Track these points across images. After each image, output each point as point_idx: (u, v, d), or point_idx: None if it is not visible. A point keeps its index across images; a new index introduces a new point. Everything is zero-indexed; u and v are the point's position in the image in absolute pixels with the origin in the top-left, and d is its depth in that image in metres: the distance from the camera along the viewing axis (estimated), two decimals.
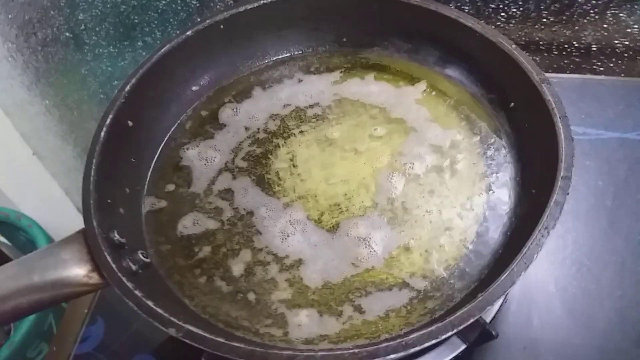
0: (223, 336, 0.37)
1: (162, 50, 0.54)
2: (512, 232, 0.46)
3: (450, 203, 0.49)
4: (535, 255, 0.38)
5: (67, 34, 0.84)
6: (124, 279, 0.40)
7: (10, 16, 0.82)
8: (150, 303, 0.39)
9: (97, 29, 0.83)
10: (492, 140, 0.53)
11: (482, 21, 0.53)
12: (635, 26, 0.66)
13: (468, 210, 0.48)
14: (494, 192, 0.49)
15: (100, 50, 0.86)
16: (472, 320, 0.36)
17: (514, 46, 0.51)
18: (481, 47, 0.53)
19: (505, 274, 0.38)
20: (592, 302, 0.51)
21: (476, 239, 0.47)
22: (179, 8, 0.78)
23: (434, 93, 0.57)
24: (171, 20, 0.80)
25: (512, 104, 0.52)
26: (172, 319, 0.38)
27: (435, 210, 0.49)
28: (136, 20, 0.81)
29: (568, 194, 0.41)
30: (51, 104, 0.96)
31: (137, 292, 0.39)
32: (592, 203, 0.58)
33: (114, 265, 0.41)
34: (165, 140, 0.56)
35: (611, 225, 0.56)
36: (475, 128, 0.54)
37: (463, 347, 0.47)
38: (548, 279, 0.53)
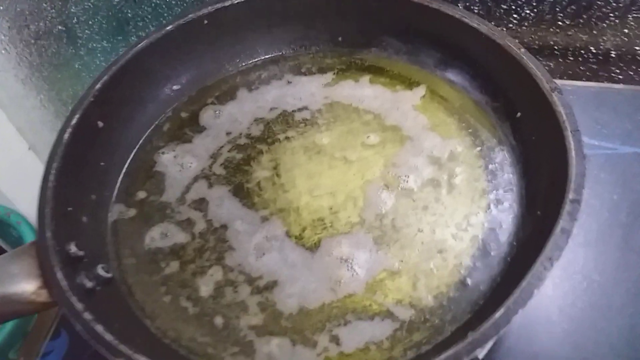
0: None
1: (139, 45, 0.50)
2: (513, 259, 0.41)
3: (445, 222, 0.44)
4: (535, 290, 0.33)
5: (59, 27, 0.82)
6: (73, 299, 0.36)
7: (1, 8, 0.79)
8: (99, 328, 0.35)
9: (90, 22, 0.80)
10: (496, 153, 0.48)
11: (493, 23, 0.48)
12: None
13: (464, 230, 0.44)
14: (494, 211, 0.44)
15: (94, 45, 0.83)
16: None
17: (522, 50, 0.46)
18: (487, 50, 0.48)
19: (500, 312, 0.33)
20: (602, 320, 0.47)
21: (471, 264, 0.42)
22: (173, 2, 0.75)
23: (433, 99, 0.52)
24: (165, 14, 0.77)
25: (519, 113, 0.48)
26: (120, 348, 0.34)
27: (428, 229, 0.44)
28: (129, 15, 0.78)
29: (576, 220, 0.36)
30: (46, 98, 0.94)
31: (85, 315, 0.35)
32: (605, 217, 0.53)
33: (64, 283, 0.37)
34: (140, 143, 0.52)
35: (625, 241, 0.51)
36: (477, 139, 0.49)
37: None
38: (556, 295, 0.48)
